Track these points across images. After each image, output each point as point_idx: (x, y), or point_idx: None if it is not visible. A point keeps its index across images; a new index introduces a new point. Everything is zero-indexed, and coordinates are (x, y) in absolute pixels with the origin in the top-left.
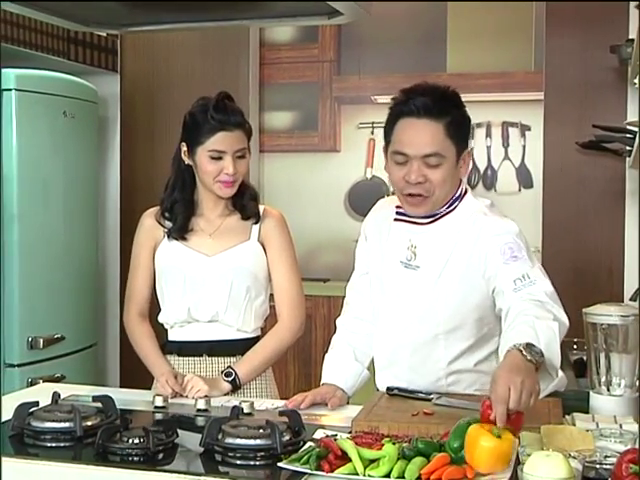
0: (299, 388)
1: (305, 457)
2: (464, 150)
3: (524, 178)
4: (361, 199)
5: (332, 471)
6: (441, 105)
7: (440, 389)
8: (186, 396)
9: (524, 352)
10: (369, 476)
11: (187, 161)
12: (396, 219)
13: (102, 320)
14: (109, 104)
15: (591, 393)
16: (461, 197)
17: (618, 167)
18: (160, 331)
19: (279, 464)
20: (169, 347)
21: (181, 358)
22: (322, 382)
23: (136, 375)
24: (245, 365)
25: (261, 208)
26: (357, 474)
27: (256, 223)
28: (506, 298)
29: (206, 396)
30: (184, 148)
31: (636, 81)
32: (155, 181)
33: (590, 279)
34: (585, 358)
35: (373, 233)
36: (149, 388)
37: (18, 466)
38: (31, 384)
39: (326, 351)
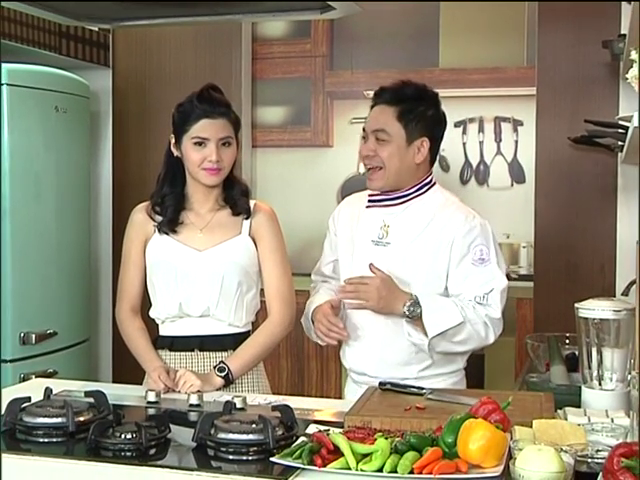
0: (292, 382)
1: (298, 452)
2: (416, 139)
3: (516, 173)
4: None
5: (324, 466)
6: (397, 95)
7: (410, 360)
8: (179, 391)
9: (412, 297)
10: (361, 470)
11: (176, 153)
12: (369, 206)
13: (94, 315)
14: (101, 99)
15: (583, 387)
16: (430, 185)
17: (610, 162)
18: (151, 326)
19: (271, 459)
20: (160, 342)
21: (172, 353)
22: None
23: (128, 370)
24: (237, 360)
25: (252, 203)
26: (350, 469)
27: (247, 218)
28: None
29: (199, 391)
30: (172, 140)
31: (628, 76)
32: (147, 176)
33: (582, 274)
34: (577, 353)
35: (343, 224)
36: (141, 383)
37: (10, 461)
38: (23, 380)
39: (318, 347)
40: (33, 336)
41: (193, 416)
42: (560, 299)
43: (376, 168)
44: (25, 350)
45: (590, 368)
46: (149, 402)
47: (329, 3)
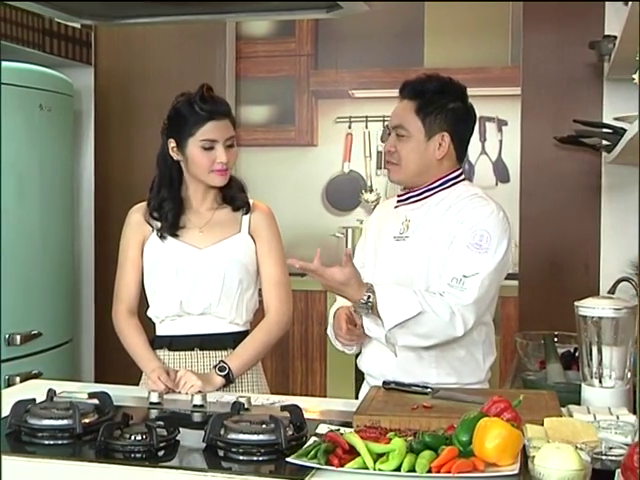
0: (277, 383)
1: (312, 452)
2: (436, 133)
3: (500, 172)
4: (338, 194)
5: (342, 466)
6: (417, 88)
7: (429, 363)
8: (179, 392)
9: (368, 287)
10: (379, 470)
11: (176, 157)
12: (397, 206)
13: (77, 316)
14: (83, 97)
15: (583, 385)
16: (457, 181)
17: (594, 162)
18: (147, 327)
19: (288, 459)
20: (159, 341)
21: (171, 352)
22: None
23: (110, 371)
24: (237, 359)
25: (250, 202)
26: (367, 468)
27: (246, 214)
28: (437, 284)
29: (199, 391)
30: (172, 144)
31: (634, 76)
32: (130, 176)
33: (566, 272)
34: (572, 350)
35: (373, 228)
36: (125, 384)
37: (17, 464)
38: (8, 381)
39: (303, 346)
40: (18, 337)
41: (197, 417)
42: (545, 297)
43: (394, 163)
44: (10, 351)
45: (589, 366)
46: (152, 403)
47: (337, 2)
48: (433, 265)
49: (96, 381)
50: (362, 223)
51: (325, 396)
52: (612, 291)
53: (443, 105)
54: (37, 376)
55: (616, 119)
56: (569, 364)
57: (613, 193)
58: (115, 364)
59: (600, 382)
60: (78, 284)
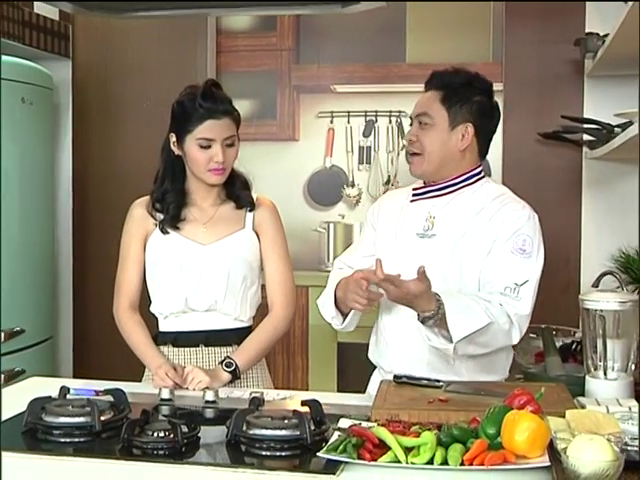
0: None
1: (341, 446)
2: (460, 124)
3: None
4: (320, 188)
5: (374, 460)
6: (445, 79)
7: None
8: (186, 388)
9: (437, 297)
10: (412, 464)
11: (177, 152)
12: (413, 199)
13: (56, 312)
14: (61, 91)
15: (587, 377)
16: (479, 177)
17: (575, 157)
18: (148, 322)
19: (319, 454)
20: (162, 338)
21: (176, 349)
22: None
23: (88, 369)
24: (243, 355)
25: (254, 196)
26: (399, 462)
27: (251, 211)
28: (490, 292)
29: (207, 387)
30: (173, 139)
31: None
32: (108, 172)
33: (547, 267)
34: (569, 343)
35: (384, 218)
36: (103, 379)
37: (35, 462)
38: None
39: (285, 341)
40: (2, 334)
41: (209, 413)
42: None
43: (416, 154)
44: None
45: (593, 359)
46: (162, 399)
47: None
48: (466, 266)
49: (74, 378)
50: (343, 219)
51: (307, 389)
52: (596, 285)
53: (468, 97)
54: (20, 373)
55: (617, 115)
56: (566, 357)
57: (594, 188)
58: (93, 361)
59: (605, 374)
60: (57, 280)
